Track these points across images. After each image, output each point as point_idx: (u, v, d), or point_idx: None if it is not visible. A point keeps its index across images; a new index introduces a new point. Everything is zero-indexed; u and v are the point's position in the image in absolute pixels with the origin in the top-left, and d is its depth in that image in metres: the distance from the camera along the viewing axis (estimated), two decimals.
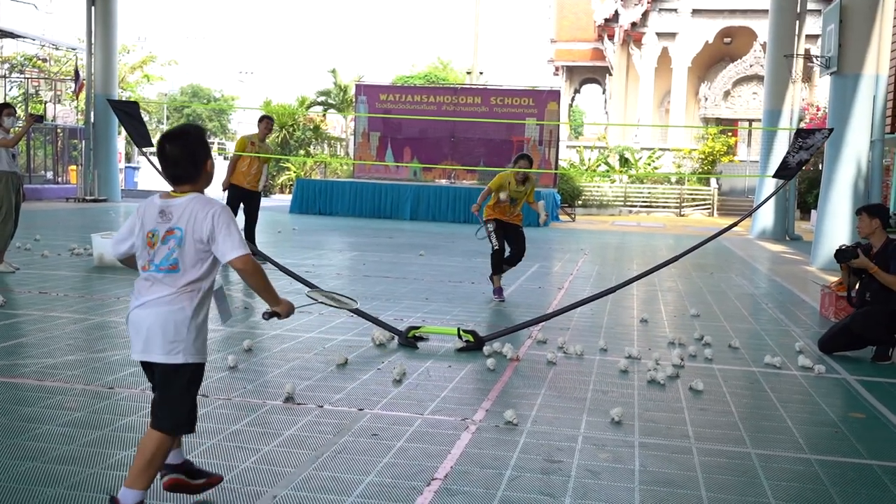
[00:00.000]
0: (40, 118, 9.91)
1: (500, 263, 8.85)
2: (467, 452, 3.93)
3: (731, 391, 5.33)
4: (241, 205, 11.14)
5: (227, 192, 11.05)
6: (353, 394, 4.86)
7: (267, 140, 11.48)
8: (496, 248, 8.79)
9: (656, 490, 3.57)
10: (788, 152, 5.87)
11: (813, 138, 5.77)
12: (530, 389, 5.17)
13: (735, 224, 6.46)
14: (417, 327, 6.43)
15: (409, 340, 6.24)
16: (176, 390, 3.04)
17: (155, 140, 3.72)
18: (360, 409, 4.54)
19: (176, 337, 2.98)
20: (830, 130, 6.04)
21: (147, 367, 3.14)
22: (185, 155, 3.06)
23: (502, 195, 8.76)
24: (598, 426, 4.44)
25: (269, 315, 3.29)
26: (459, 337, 6.24)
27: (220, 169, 12.98)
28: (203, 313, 3.09)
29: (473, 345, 6.16)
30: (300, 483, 3.47)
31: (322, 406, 4.58)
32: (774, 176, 6.05)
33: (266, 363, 5.51)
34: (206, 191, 3.17)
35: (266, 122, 11.35)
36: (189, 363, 3.04)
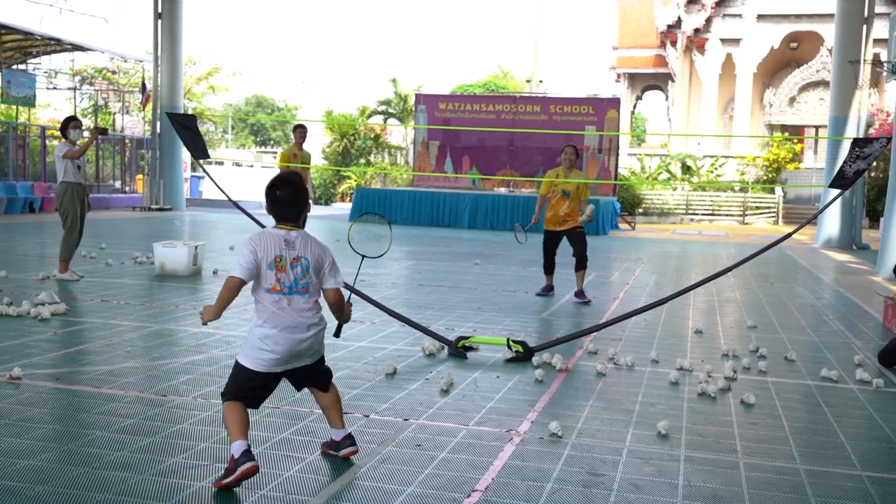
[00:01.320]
0: (105, 131, 10.18)
1: (550, 268, 9.61)
2: (510, 464, 3.93)
3: (783, 405, 5.24)
4: None
5: None
6: (400, 404, 4.90)
7: (304, 147, 11.95)
8: (544, 260, 9.65)
9: None
10: (845, 162, 5.75)
11: (870, 147, 5.65)
12: (578, 401, 5.15)
13: (789, 235, 6.34)
14: (467, 337, 6.44)
15: (459, 350, 6.26)
16: (324, 369, 3.85)
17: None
18: (406, 420, 4.58)
19: (322, 342, 3.75)
20: (889, 139, 5.90)
21: (275, 376, 3.67)
22: (292, 200, 3.66)
23: (552, 194, 9.27)
24: (644, 439, 4.40)
25: (338, 332, 4.02)
26: (509, 347, 6.24)
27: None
28: None
29: (523, 355, 6.15)
30: (342, 492, 3.51)
31: (368, 415, 4.63)
32: (830, 186, 5.94)
33: None
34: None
35: (300, 130, 11.95)
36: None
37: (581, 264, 9.34)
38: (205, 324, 3.69)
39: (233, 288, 3.59)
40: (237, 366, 3.64)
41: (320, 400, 3.90)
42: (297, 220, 3.67)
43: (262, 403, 3.76)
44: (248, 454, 3.47)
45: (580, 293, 9.30)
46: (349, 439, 3.88)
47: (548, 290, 9.62)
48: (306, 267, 3.60)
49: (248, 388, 3.61)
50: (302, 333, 3.59)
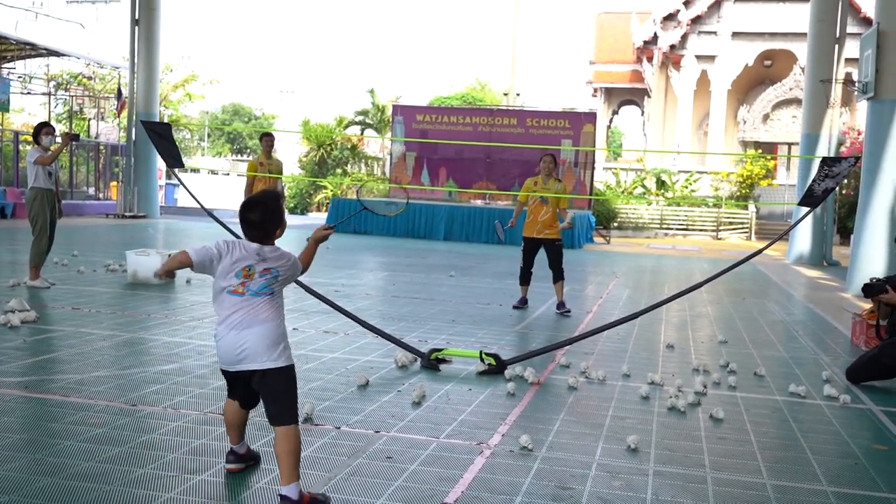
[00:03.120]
0: (76, 136, 10.13)
1: (527, 278, 9.69)
2: (480, 477, 3.94)
3: (752, 420, 5.29)
4: None
5: None
6: (372, 416, 4.90)
7: (273, 155, 11.96)
8: (522, 266, 9.70)
9: None
10: (814, 180, 5.83)
11: (839, 167, 5.73)
12: (549, 414, 5.17)
13: (759, 252, 6.41)
14: (440, 349, 6.46)
15: (432, 363, 6.27)
16: (288, 387, 3.58)
17: None
18: (377, 432, 4.58)
19: (280, 344, 3.58)
20: (857, 159, 6.00)
21: (238, 378, 3.63)
22: (260, 225, 3.66)
23: (531, 200, 9.47)
24: (613, 453, 4.43)
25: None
26: (482, 360, 6.25)
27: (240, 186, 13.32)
28: None
29: (495, 368, 6.17)
30: None
31: (339, 427, 4.63)
32: (799, 204, 6.02)
33: None
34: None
35: (266, 139, 11.96)
36: (291, 364, 3.61)
37: (558, 276, 9.54)
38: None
39: (181, 261, 3.60)
40: None
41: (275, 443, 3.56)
42: (267, 241, 3.67)
43: (252, 404, 3.82)
44: (231, 453, 3.89)
45: (561, 304, 9.49)
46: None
47: (523, 303, 9.68)
48: (276, 276, 3.64)
49: (229, 386, 3.80)
50: (254, 327, 3.54)
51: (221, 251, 3.63)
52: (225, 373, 3.67)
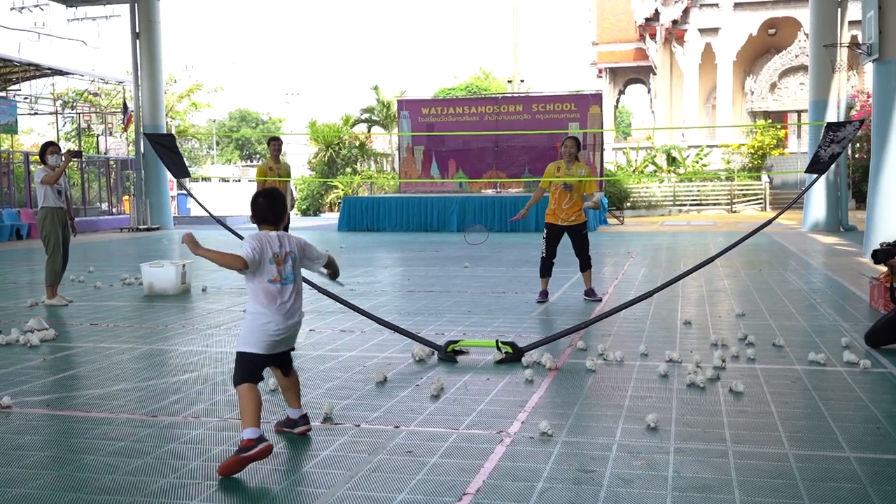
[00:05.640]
0: (78, 153, 10.21)
1: (548, 269, 9.30)
2: (501, 466, 3.95)
3: (772, 391, 5.27)
4: None
5: None
6: (391, 411, 4.92)
7: (281, 158, 12.00)
8: (543, 255, 9.28)
9: (689, 496, 3.55)
10: (820, 146, 5.80)
11: (844, 131, 5.69)
12: (568, 399, 5.17)
13: (770, 222, 6.39)
14: (456, 341, 6.46)
15: (449, 355, 6.28)
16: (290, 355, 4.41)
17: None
18: (397, 427, 4.59)
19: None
20: (861, 122, 5.95)
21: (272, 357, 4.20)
22: (273, 206, 4.24)
23: (553, 187, 9.12)
24: (633, 433, 4.43)
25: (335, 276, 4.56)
26: (498, 349, 6.25)
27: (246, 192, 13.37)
28: None
29: (512, 356, 6.17)
30: None
31: (359, 425, 4.64)
32: (807, 171, 5.99)
33: (306, 384, 5.58)
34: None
35: (273, 143, 11.98)
36: None
37: (585, 265, 9.30)
38: (183, 242, 4.10)
39: (234, 263, 4.03)
40: (241, 355, 4.08)
41: (281, 381, 4.41)
42: (277, 225, 4.22)
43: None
44: (263, 438, 3.94)
45: (590, 292, 9.32)
46: (304, 418, 4.44)
47: (544, 297, 9.22)
48: (294, 260, 4.19)
49: (254, 372, 4.09)
50: (293, 319, 4.15)
51: (261, 242, 4.09)
52: (258, 356, 4.06)
